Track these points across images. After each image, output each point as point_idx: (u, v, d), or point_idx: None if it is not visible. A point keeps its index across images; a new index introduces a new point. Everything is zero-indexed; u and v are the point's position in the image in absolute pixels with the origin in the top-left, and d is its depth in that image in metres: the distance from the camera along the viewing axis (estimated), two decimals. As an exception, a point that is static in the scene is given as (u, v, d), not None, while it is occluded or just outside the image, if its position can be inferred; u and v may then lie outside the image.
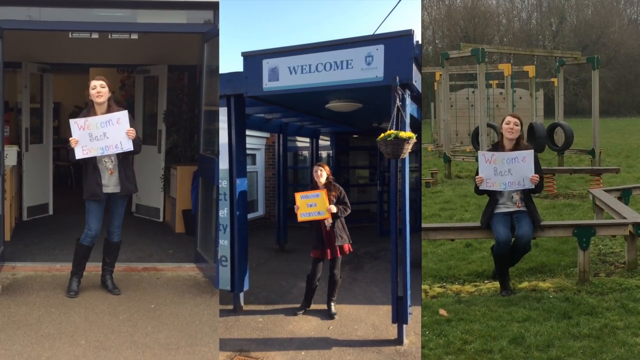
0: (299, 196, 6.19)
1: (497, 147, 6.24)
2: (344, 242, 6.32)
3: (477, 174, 6.13)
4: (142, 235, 8.86)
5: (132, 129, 6.09)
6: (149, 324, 5.63)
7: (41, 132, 9.96)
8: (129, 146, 6.08)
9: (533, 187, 5.97)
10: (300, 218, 6.17)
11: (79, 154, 6.01)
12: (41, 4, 7.44)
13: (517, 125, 6.08)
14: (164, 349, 5.08)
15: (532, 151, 6.05)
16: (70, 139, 6.01)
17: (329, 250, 6.30)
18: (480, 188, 6.08)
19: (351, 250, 6.46)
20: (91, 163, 6.15)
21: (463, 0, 52.05)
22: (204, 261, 7.08)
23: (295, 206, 6.20)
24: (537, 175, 5.95)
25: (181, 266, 7.35)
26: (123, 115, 6.09)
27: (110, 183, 6.22)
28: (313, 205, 6.11)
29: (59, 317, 5.71)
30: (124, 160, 6.26)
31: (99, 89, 6.16)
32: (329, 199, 6.13)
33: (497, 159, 6.01)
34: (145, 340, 5.24)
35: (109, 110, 6.17)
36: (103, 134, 6.01)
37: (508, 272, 6.07)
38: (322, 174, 6.31)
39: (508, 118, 6.16)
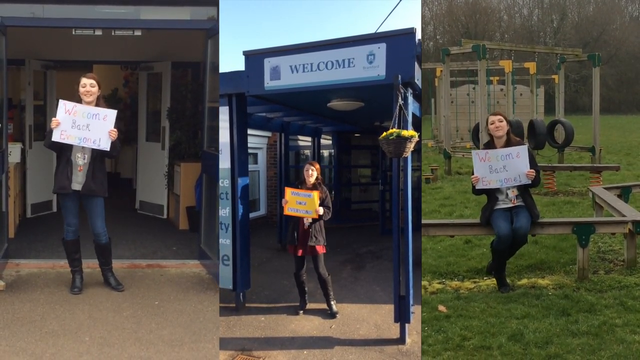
0: (289, 191, 6.26)
1: (490, 146, 6.21)
2: (318, 244, 6.32)
3: (473, 174, 6.16)
4: (145, 232, 8.88)
5: (115, 129, 6.02)
6: (153, 320, 5.67)
7: (45, 129, 9.96)
8: (106, 146, 6.02)
9: (529, 182, 5.99)
10: (286, 212, 6.26)
11: (56, 137, 5.94)
12: (44, 1, 7.47)
13: (501, 122, 6.08)
14: (168, 346, 5.13)
15: (525, 146, 6.06)
16: (53, 119, 5.95)
17: (301, 249, 6.36)
18: (477, 187, 6.09)
19: (324, 251, 6.43)
20: (65, 156, 6.13)
21: (464, -4, 52.00)
22: (207, 258, 7.11)
23: (283, 199, 6.27)
24: (532, 170, 5.96)
25: (185, 263, 7.38)
26: (111, 114, 6.03)
27: (77, 180, 6.17)
28: (302, 204, 6.17)
29: (63, 314, 5.75)
30: (96, 160, 6.18)
31: (88, 87, 6.09)
32: None
33: (491, 157, 6.01)
34: (149, 337, 5.29)
35: None
36: (86, 125, 5.96)
37: (505, 267, 6.12)
38: (313, 174, 6.35)
39: (491, 118, 6.17)
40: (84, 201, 6.29)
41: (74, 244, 6.43)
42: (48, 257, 7.40)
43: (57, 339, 5.17)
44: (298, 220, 6.33)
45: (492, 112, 6.40)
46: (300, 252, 6.37)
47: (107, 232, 6.47)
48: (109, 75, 12.86)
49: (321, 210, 6.17)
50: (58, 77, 10.30)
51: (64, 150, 6.12)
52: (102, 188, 6.25)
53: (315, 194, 6.15)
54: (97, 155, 6.16)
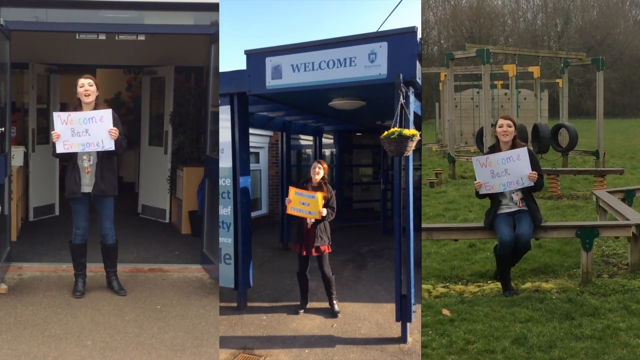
0: (293, 191, 6.25)
1: (494, 150, 6.21)
2: (323, 244, 6.35)
3: (476, 179, 6.15)
4: (148, 236, 8.87)
5: (114, 128, 6.05)
6: (155, 325, 5.66)
7: (48, 132, 9.95)
8: (110, 145, 6.06)
9: (532, 184, 5.96)
10: (289, 211, 6.26)
11: (60, 148, 6.03)
12: (48, 5, 7.48)
13: (510, 127, 6.07)
14: (170, 350, 5.12)
15: (525, 148, 6.04)
16: (52, 132, 6.02)
17: (305, 249, 6.36)
18: (481, 192, 6.10)
19: (329, 251, 6.45)
20: (72, 161, 6.19)
21: (468, 1, 51.99)
22: (210, 262, 7.10)
23: (287, 198, 6.27)
24: (534, 172, 5.94)
25: (187, 267, 7.37)
26: (106, 114, 6.06)
27: (86, 182, 6.22)
28: (306, 204, 6.16)
29: (65, 317, 5.74)
30: (103, 160, 6.23)
31: (86, 87, 6.13)
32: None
33: (492, 162, 6.01)
34: (151, 341, 5.28)
35: (96, 109, 6.16)
36: (85, 131, 6.00)
37: (510, 272, 6.10)
38: (320, 172, 6.36)
39: (500, 121, 6.16)
40: (95, 202, 6.34)
41: (81, 248, 6.43)
42: (50, 261, 7.40)
43: (59, 343, 5.16)
44: (303, 219, 6.33)
45: (502, 115, 6.38)
46: (305, 252, 6.36)
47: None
48: (112, 79, 12.89)
49: (324, 212, 6.18)
50: (61, 81, 10.31)
51: (70, 156, 6.17)
52: (111, 188, 6.32)
53: (320, 195, 6.14)
54: (103, 156, 6.21)
